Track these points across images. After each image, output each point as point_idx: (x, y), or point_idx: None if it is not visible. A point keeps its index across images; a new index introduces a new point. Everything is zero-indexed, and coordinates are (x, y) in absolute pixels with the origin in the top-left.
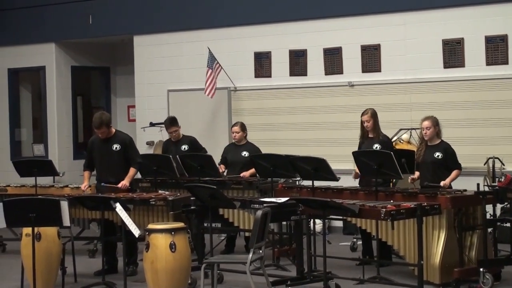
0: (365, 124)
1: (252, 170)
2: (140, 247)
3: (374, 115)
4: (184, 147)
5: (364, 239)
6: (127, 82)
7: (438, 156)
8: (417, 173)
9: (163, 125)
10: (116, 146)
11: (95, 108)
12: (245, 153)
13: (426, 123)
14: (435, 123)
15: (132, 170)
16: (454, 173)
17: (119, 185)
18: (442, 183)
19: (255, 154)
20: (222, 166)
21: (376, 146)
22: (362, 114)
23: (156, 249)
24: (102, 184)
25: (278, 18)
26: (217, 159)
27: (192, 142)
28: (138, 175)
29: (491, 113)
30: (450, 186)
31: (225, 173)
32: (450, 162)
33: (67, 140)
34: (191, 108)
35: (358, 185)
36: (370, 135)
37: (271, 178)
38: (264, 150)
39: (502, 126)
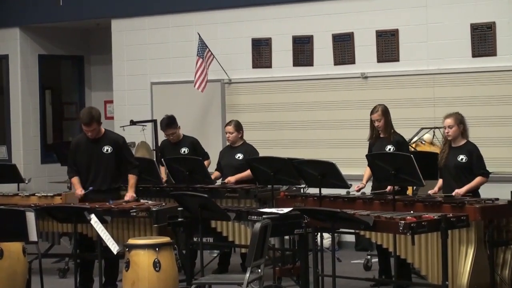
0: (376, 124)
1: (241, 175)
2: (120, 265)
3: (385, 112)
4: (184, 150)
5: (381, 256)
6: (104, 74)
7: (462, 159)
8: (439, 182)
9: (145, 124)
10: (107, 148)
11: (67, 103)
12: (239, 156)
13: (449, 121)
14: (459, 120)
15: (132, 178)
16: (476, 180)
17: (126, 198)
18: (454, 192)
19: (252, 158)
20: (216, 173)
21: (389, 148)
22: (372, 112)
23: (137, 268)
24: (96, 207)
25: None
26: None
27: (194, 144)
28: None
29: None
30: (478, 194)
31: (219, 181)
32: (475, 166)
33: (34, 141)
34: (178, 104)
35: (372, 193)
36: (382, 135)
37: (272, 185)
38: (263, 152)
39: None
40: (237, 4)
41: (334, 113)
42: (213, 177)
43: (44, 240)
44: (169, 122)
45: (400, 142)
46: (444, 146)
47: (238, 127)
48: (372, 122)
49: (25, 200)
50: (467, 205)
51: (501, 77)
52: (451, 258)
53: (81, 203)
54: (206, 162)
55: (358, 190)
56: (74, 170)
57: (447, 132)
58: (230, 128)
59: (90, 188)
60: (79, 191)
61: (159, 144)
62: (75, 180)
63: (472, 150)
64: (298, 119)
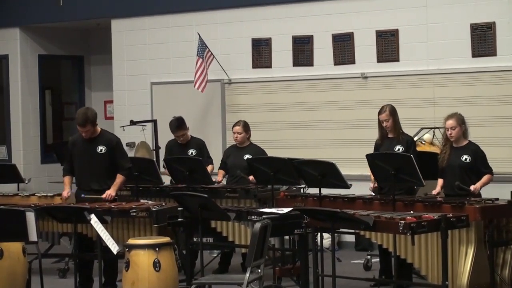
0: (384, 124)
1: None
2: (120, 265)
3: (393, 112)
4: (192, 151)
5: (382, 255)
6: (104, 74)
7: (466, 159)
8: (440, 182)
9: (145, 124)
10: (101, 148)
11: (67, 103)
12: (247, 157)
13: (451, 122)
14: (461, 121)
15: (119, 178)
16: (486, 177)
17: (104, 196)
18: (472, 187)
19: (252, 158)
20: (221, 172)
21: (398, 148)
22: (379, 113)
23: (137, 268)
24: (83, 195)
25: None
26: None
27: (201, 146)
28: None
29: None
30: (479, 194)
31: (224, 181)
32: (480, 166)
33: (34, 141)
34: (178, 104)
35: (372, 193)
36: (390, 135)
37: (272, 185)
38: None
39: None
40: (237, 4)
41: (334, 113)
42: (219, 176)
43: (44, 240)
44: (179, 124)
45: (409, 142)
46: (445, 147)
47: (246, 127)
48: (380, 122)
49: (25, 200)
50: (467, 205)
51: (501, 77)
52: (451, 258)
53: (81, 203)
54: (209, 168)
55: (374, 189)
56: (68, 169)
57: (450, 134)
58: (238, 129)
59: (82, 195)
60: (65, 193)
61: (159, 144)
62: (66, 180)
63: (476, 150)
64: (298, 119)
